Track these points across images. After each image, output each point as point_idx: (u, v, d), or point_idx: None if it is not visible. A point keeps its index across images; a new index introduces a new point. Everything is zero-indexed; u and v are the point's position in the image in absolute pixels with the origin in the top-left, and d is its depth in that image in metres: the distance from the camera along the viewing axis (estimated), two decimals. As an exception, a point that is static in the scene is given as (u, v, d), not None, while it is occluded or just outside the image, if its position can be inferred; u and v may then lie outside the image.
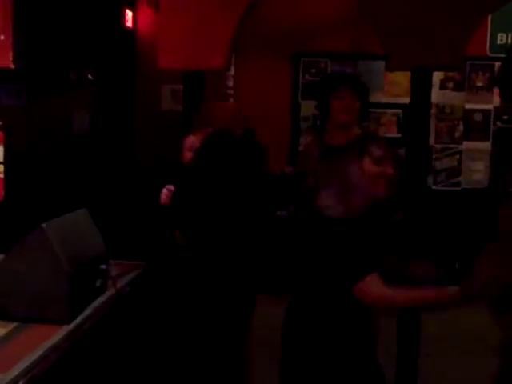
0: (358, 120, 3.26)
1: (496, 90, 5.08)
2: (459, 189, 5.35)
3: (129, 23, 5.43)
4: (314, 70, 5.45)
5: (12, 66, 3.43)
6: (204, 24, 3.50)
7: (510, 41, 5.26)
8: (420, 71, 3.47)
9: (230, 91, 5.46)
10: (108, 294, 2.56)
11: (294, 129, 5.31)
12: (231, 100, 5.42)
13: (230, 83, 5.46)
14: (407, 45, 3.41)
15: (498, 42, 5.20)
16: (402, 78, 4.85)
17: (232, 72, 5.40)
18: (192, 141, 3.04)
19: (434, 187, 5.30)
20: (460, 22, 3.36)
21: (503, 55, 5.03)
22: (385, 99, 5.17)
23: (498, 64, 5.10)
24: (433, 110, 5.01)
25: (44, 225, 2.25)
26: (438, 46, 3.36)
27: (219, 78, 5.21)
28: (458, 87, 5.24)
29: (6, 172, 3.71)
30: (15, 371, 1.86)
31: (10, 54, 3.41)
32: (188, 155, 3.22)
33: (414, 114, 3.55)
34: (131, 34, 5.46)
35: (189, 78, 3.61)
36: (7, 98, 5.21)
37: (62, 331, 2.16)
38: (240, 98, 5.41)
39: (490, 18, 5.21)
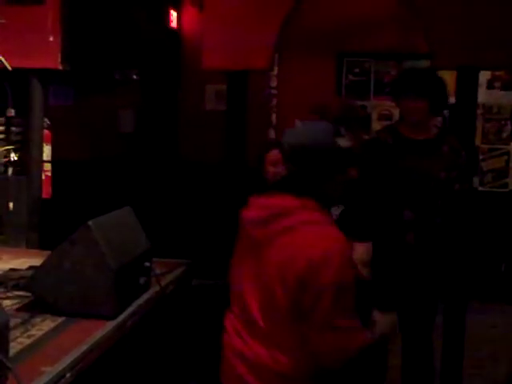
0: (430, 116, 3.22)
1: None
2: (507, 190, 5.24)
3: (173, 23, 5.49)
4: (357, 70, 5.42)
5: (60, 67, 3.49)
6: (247, 24, 3.51)
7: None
8: (466, 70, 3.41)
9: (274, 91, 5.47)
10: (152, 291, 2.60)
11: (338, 128, 5.30)
12: (274, 100, 5.42)
13: (274, 83, 5.48)
14: (453, 43, 3.36)
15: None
16: (448, 78, 4.78)
17: (275, 72, 5.41)
18: (277, 155, 2.96)
19: (480, 188, 5.21)
20: (508, 20, 3.29)
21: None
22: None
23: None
24: (480, 110, 4.93)
25: (90, 222, 2.29)
26: (485, 45, 3.30)
27: (263, 78, 5.22)
28: (506, 87, 5.14)
29: (53, 170, 3.78)
30: (62, 364, 1.90)
31: (59, 56, 3.48)
32: (272, 170, 3.15)
33: (460, 114, 3.50)
34: (176, 34, 5.52)
35: (232, 77, 3.63)
36: (55, 98, 5.33)
37: (108, 327, 2.20)
38: (283, 97, 5.42)
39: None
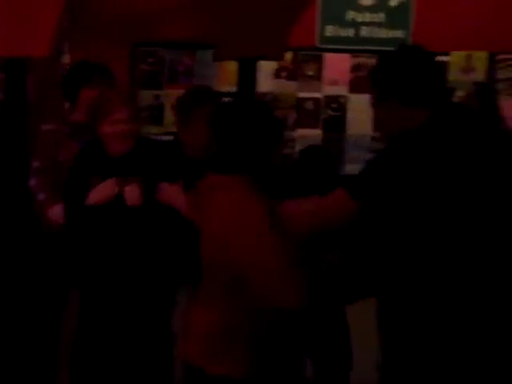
0: None
1: (324, 79, 5.40)
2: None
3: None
4: (151, 60, 5.43)
5: None
6: (25, 10, 3.40)
7: (337, 33, 5.53)
8: (246, 61, 3.58)
9: (66, 80, 5.31)
10: None
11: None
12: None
13: (65, 72, 5.31)
14: (233, 35, 3.52)
15: (326, 34, 5.45)
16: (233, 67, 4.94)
17: (67, 61, 5.25)
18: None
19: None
20: (281, 13, 3.51)
21: (331, 46, 5.35)
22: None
23: (326, 55, 5.40)
24: (267, 99, 5.18)
25: None
26: (261, 37, 3.49)
27: (51, 67, 5.05)
28: (290, 76, 5.44)
29: None
30: None
31: None
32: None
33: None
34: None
35: (10, 65, 3.48)
36: None
37: None
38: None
39: (319, 10, 5.45)
